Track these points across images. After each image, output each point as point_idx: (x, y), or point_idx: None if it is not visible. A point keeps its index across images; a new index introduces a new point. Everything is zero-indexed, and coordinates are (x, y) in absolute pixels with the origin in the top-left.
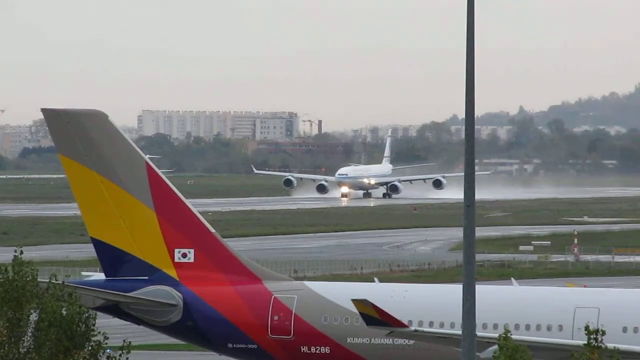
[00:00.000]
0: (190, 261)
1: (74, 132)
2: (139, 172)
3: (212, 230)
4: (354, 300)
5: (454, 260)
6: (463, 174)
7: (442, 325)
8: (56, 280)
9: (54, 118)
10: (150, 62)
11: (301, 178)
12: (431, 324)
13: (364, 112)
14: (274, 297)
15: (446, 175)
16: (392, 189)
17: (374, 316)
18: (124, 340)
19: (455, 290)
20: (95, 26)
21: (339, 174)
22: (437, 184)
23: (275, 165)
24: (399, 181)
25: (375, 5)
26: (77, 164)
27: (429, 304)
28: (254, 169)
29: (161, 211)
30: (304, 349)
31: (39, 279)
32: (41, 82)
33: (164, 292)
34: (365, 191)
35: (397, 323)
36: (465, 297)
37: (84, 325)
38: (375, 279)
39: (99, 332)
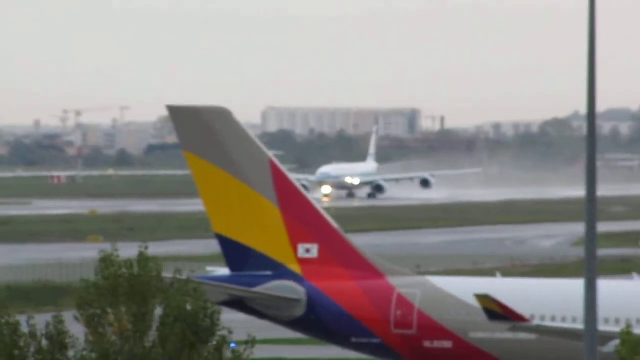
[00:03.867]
0: (313, 256)
1: (198, 129)
2: (262, 168)
3: (336, 225)
4: (477, 295)
5: (575, 255)
6: (451, 172)
7: (564, 320)
8: (181, 275)
9: (179, 115)
10: (273, 59)
11: None
12: (553, 319)
13: (488, 108)
14: (397, 292)
15: (435, 173)
16: (377, 188)
17: (496, 311)
18: (248, 335)
19: (577, 285)
20: (218, 23)
21: (321, 173)
22: (425, 183)
23: (398, 161)
24: (384, 180)
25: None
26: (202, 160)
27: (551, 299)
28: None
29: (285, 207)
30: (427, 343)
31: (163, 274)
32: (166, 79)
33: (288, 287)
34: (348, 191)
35: (519, 318)
36: (587, 292)
37: (209, 320)
38: (498, 273)
39: (224, 327)
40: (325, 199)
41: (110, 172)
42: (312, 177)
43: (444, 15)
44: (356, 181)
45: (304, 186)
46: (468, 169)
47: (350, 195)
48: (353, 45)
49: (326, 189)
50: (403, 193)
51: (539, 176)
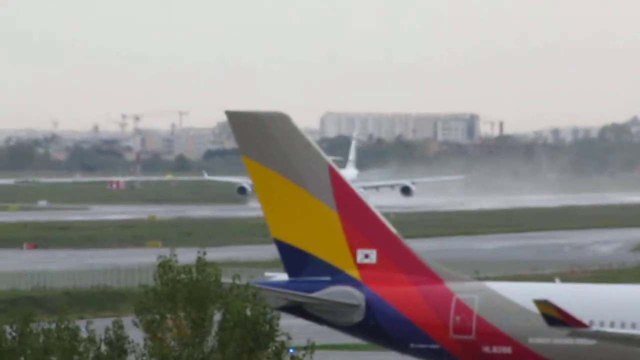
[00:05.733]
0: (372, 262)
1: (257, 134)
2: (321, 173)
3: (394, 230)
4: (536, 301)
5: (634, 261)
6: (434, 179)
7: (623, 326)
8: (240, 280)
9: (237, 120)
10: (331, 64)
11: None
12: (612, 325)
13: (547, 113)
14: (456, 297)
15: (416, 180)
16: None
17: (555, 316)
18: (307, 340)
19: (636, 291)
20: (276, 29)
21: None
22: (406, 191)
23: (457, 167)
24: (364, 188)
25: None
26: (261, 165)
27: (610, 305)
28: (206, 175)
29: (343, 212)
30: (486, 348)
31: (222, 280)
32: (225, 84)
33: (347, 292)
34: None
35: (578, 323)
36: None
37: (268, 326)
38: (556, 279)
39: (283, 333)
40: None
41: (169, 177)
42: None
43: (503, 19)
44: None
45: None
46: (451, 176)
47: None
48: (412, 50)
49: None
50: (383, 200)
51: (598, 181)
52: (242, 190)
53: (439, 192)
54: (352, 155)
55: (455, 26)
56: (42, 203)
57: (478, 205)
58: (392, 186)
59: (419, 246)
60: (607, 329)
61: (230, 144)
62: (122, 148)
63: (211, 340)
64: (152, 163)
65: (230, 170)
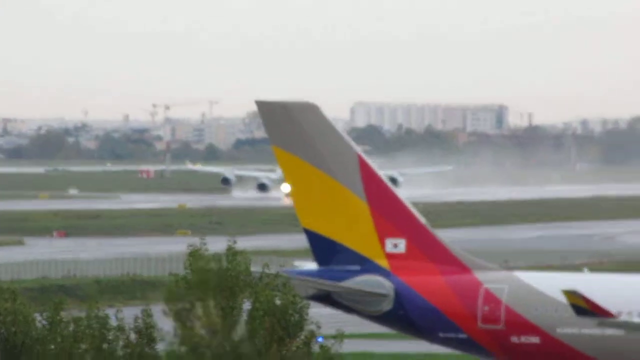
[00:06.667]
0: (401, 251)
1: (287, 124)
2: (351, 163)
3: (423, 220)
4: (565, 291)
5: None
6: (422, 171)
7: None
8: (269, 269)
9: (267, 110)
10: (362, 55)
11: (241, 176)
12: None
13: (574, 105)
14: (484, 287)
15: (403, 171)
16: None
17: (583, 307)
18: (337, 330)
19: None
20: (310, 18)
21: None
22: (392, 182)
23: (486, 157)
24: None
25: None
26: (290, 155)
27: (638, 295)
28: (190, 164)
29: (373, 202)
30: (514, 338)
31: (252, 269)
32: (254, 73)
33: (376, 281)
34: None
35: (607, 313)
36: None
37: (297, 315)
38: (585, 269)
39: (312, 322)
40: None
41: (199, 166)
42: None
43: (531, 11)
44: None
45: (264, 185)
46: (437, 167)
47: None
48: (442, 41)
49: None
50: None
51: (627, 172)
52: (225, 181)
53: (471, 182)
54: None
55: (483, 13)
56: (73, 192)
57: (584, 193)
58: None
59: (447, 236)
60: (636, 319)
61: (261, 133)
62: (153, 137)
63: (241, 329)
64: (182, 152)
65: (260, 160)
